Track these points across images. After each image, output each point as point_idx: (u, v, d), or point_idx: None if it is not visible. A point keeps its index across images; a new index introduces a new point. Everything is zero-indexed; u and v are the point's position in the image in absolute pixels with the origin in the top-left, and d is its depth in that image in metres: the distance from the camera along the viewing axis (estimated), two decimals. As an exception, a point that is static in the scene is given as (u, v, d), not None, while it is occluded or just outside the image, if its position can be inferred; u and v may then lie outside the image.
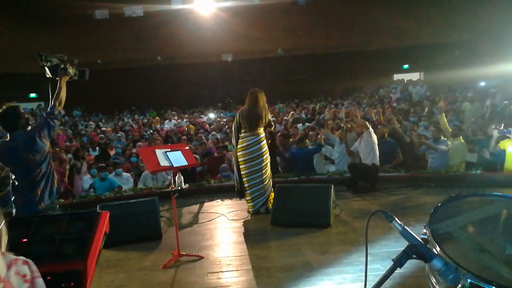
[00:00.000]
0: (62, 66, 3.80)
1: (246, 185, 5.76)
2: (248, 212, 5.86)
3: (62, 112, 3.79)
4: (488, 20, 18.20)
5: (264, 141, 5.75)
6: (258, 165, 5.66)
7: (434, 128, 7.58)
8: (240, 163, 5.72)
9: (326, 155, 8.13)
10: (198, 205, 6.55)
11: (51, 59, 3.83)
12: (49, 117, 3.63)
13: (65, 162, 8.48)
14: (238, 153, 5.72)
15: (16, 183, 3.51)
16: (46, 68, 3.81)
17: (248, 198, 5.82)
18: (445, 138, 7.27)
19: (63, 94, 3.77)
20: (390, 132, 7.84)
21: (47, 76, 3.82)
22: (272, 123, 6.02)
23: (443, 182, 6.54)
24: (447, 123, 7.90)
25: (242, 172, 5.74)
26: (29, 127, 3.56)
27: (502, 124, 7.56)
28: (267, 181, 5.77)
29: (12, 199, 3.54)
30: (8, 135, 3.49)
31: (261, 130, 5.71)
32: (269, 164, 5.81)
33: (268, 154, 5.79)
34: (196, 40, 20.15)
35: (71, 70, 3.83)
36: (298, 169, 7.25)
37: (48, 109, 3.70)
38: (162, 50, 21.38)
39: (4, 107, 3.50)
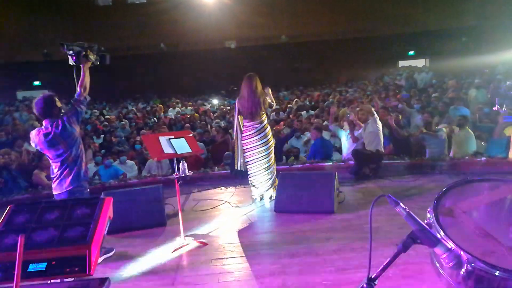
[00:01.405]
0: (84, 53, 4.00)
1: (251, 172, 5.72)
2: (252, 198, 5.85)
3: (88, 98, 4.05)
4: (495, 6, 17.91)
5: (268, 128, 5.69)
6: (264, 151, 5.61)
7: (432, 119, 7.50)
8: (245, 151, 5.68)
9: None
10: (202, 192, 6.56)
11: (73, 47, 4.00)
12: (76, 103, 3.93)
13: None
14: (243, 142, 5.67)
15: (53, 166, 3.87)
16: (69, 56, 4.01)
17: (253, 184, 5.81)
18: (441, 127, 7.23)
19: (87, 80, 4.04)
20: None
21: (70, 63, 4.03)
22: (273, 102, 5.90)
23: (447, 169, 6.51)
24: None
25: (247, 160, 5.70)
26: (62, 114, 3.86)
27: (504, 105, 7.47)
28: (272, 167, 5.75)
29: (51, 182, 3.92)
30: (43, 122, 3.82)
31: (263, 117, 5.65)
32: (273, 150, 5.78)
33: (273, 140, 5.76)
34: (200, 27, 20.03)
35: (92, 56, 4.06)
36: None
37: (75, 95, 3.97)
38: (165, 37, 21.28)
39: (41, 95, 3.86)
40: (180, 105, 16.31)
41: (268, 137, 5.65)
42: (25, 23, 19.70)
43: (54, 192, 3.97)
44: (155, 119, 13.38)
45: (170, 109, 15.55)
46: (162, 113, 14.37)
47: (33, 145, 3.98)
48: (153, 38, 20.91)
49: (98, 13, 20.97)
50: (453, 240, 1.52)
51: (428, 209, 1.75)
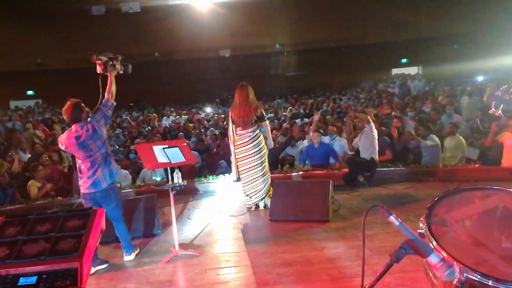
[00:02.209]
0: (111, 62, 4.31)
1: (245, 181, 5.69)
2: (247, 207, 5.82)
3: (114, 103, 4.36)
4: (487, 12, 18.12)
5: (261, 136, 5.64)
6: (257, 160, 5.57)
7: (422, 127, 7.52)
8: (238, 160, 5.66)
9: None
10: (196, 201, 6.53)
11: (101, 58, 4.30)
12: (104, 108, 4.25)
13: (63, 161, 8.47)
14: (236, 151, 5.65)
15: (82, 167, 4.14)
16: (97, 65, 4.31)
17: (247, 193, 5.78)
18: (433, 135, 7.27)
19: (114, 87, 4.37)
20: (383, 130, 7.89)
21: (98, 72, 4.34)
22: (264, 114, 5.83)
23: (441, 177, 6.54)
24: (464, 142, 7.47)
25: (240, 169, 5.68)
26: (89, 119, 4.17)
27: (500, 108, 7.47)
28: (265, 175, 5.71)
29: (80, 181, 4.19)
30: (73, 126, 4.11)
31: (255, 126, 5.59)
32: (267, 158, 5.75)
33: (266, 149, 5.72)
34: (194, 35, 20.07)
35: (118, 66, 4.39)
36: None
37: (103, 101, 4.30)
38: (159, 46, 21.30)
39: (69, 103, 4.12)
40: (174, 113, 16.30)
41: (261, 145, 5.61)
42: (19, 32, 19.64)
43: (88, 191, 4.18)
44: (149, 127, 13.34)
45: (164, 117, 15.53)
46: (157, 122, 14.33)
47: (62, 147, 4.23)
48: (147, 47, 20.92)
49: (92, 22, 20.97)
50: (446, 249, 1.52)
51: (421, 219, 1.75)
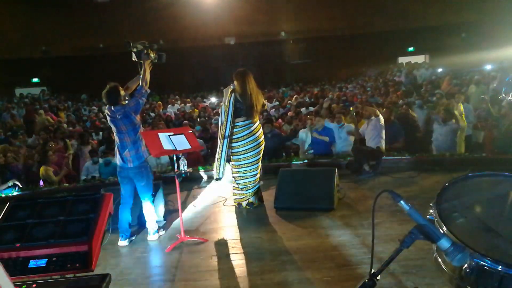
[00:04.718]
0: (145, 51, 4.49)
1: (242, 175, 5.27)
2: (240, 205, 5.43)
3: (148, 90, 4.56)
4: (495, 1, 17.84)
5: (261, 129, 5.38)
6: (258, 154, 5.26)
7: (443, 111, 7.30)
8: (238, 154, 5.20)
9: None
10: (202, 188, 6.56)
11: (137, 46, 4.48)
12: (139, 96, 4.47)
13: (68, 149, 8.50)
14: (236, 143, 5.17)
15: (116, 140, 4.49)
16: (133, 53, 4.50)
17: (244, 191, 5.37)
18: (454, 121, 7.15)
19: (148, 76, 4.56)
20: (399, 116, 7.80)
21: (134, 60, 4.54)
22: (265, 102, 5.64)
23: (448, 165, 6.50)
24: (463, 113, 7.41)
25: (236, 163, 5.25)
26: (126, 102, 4.41)
27: (510, 94, 7.40)
28: (259, 169, 5.40)
29: (116, 154, 4.55)
30: (112, 107, 4.39)
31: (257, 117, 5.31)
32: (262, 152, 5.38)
33: (263, 143, 5.38)
34: (199, 23, 19.92)
35: (152, 55, 4.54)
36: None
37: (137, 88, 4.52)
38: (164, 33, 21.15)
39: (108, 86, 4.40)
40: (179, 101, 16.27)
41: (261, 139, 5.28)
42: (24, 20, 19.57)
43: (119, 164, 4.53)
44: (153, 114, 13.35)
45: (169, 105, 15.51)
46: (161, 110, 14.32)
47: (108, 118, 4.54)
48: (152, 34, 20.77)
49: (97, 9, 20.85)
50: (456, 235, 1.51)
51: (431, 204, 1.74)
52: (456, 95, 8.30)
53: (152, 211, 4.63)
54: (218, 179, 5.34)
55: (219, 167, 5.22)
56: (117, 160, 4.57)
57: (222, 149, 5.15)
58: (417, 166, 6.66)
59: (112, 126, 4.52)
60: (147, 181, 4.55)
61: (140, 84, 4.52)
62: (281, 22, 21.23)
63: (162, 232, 4.78)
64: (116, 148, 4.57)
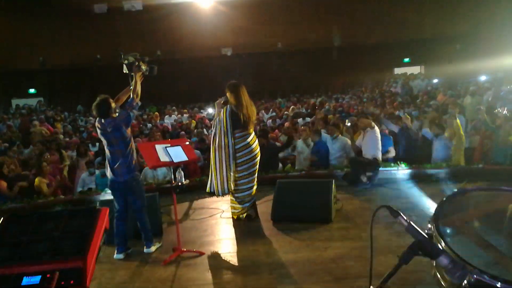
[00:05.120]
0: (137, 63, 4.47)
1: (240, 187, 5.21)
2: (238, 216, 5.37)
3: (139, 103, 4.56)
4: (489, 12, 18.06)
5: (256, 140, 5.34)
6: (254, 166, 5.22)
7: (435, 126, 7.30)
8: (238, 165, 5.12)
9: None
10: (199, 200, 6.51)
11: (128, 58, 4.46)
12: (129, 108, 4.42)
13: (64, 160, 8.46)
14: (238, 154, 5.10)
15: (107, 153, 4.42)
16: (124, 65, 4.48)
17: (241, 204, 5.32)
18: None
19: (139, 88, 4.52)
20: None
21: (124, 72, 4.52)
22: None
23: (445, 177, 6.51)
24: (460, 127, 7.29)
25: (237, 175, 5.16)
26: (116, 114, 4.35)
27: (505, 108, 7.44)
28: (255, 181, 5.36)
29: (107, 167, 4.48)
30: (102, 120, 4.33)
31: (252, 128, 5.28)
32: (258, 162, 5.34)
33: (259, 154, 5.35)
34: (196, 34, 20.04)
35: (143, 67, 4.53)
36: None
37: (128, 101, 4.48)
38: (161, 44, 21.27)
39: (98, 98, 4.34)
40: (176, 112, 16.27)
41: (257, 151, 5.24)
42: (22, 31, 19.63)
43: (110, 178, 4.47)
44: (150, 125, 13.34)
45: (166, 116, 15.51)
46: (158, 121, 14.32)
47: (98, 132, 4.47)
48: (149, 45, 20.88)
49: (94, 20, 20.95)
50: (455, 251, 1.50)
51: (428, 219, 1.73)
52: (449, 108, 8.27)
53: (147, 224, 4.58)
54: (223, 193, 5.16)
55: (224, 181, 5.08)
56: (108, 173, 4.50)
57: (224, 160, 5.03)
58: (414, 177, 6.66)
59: (102, 139, 4.45)
60: (139, 194, 4.51)
61: (131, 96, 4.48)
62: (277, 33, 21.38)
63: (158, 245, 4.71)
64: (106, 162, 4.52)
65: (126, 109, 4.42)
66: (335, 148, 7.47)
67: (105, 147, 4.46)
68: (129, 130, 4.43)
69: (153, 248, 4.60)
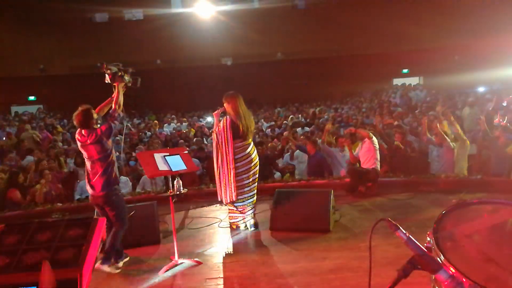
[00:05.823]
0: (120, 74, 4.40)
1: (240, 197, 5.19)
2: (237, 227, 5.38)
3: (122, 114, 4.46)
4: (488, 24, 18.19)
5: (255, 149, 5.37)
6: (255, 175, 5.24)
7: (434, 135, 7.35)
8: (237, 175, 5.12)
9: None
10: (196, 209, 6.49)
11: (111, 68, 4.39)
12: (111, 119, 4.32)
13: (62, 167, 8.44)
14: (237, 164, 5.11)
15: (87, 165, 4.29)
16: (106, 75, 4.40)
17: (242, 213, 5.32)
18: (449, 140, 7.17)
19: (121, 98, 4.43)
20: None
21: (106, 81, 4.44)
22: None
23: (444, 187, 6.50)
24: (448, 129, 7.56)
25: (239, 184, 5.15)
26: (98, 126, 4.27)
27: (506, 117, 7.44)
28: (255, 189, 5.36)
29: (85, 182, 4.35)
30: (82, 131, 4.23)
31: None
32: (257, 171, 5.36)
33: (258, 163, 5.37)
34: (196, 43, 20.13)
35: (126, 77, 4.47)
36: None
37: (110, 112, 4.38)
38: (161, 53, 21.34)
39: (80, 108, 4.24)
40: (175, 121, 16.29)
41: (256, 160, 5.26)
42: (22, 38, 19.70)
43: (89, 192, 4.36)
44: (149, 133, 13.34)
45: (165, 125, 15.52)
46: (158, 129, 14.32)
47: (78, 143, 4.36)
48: (149, 54, 20.96)
49: (95, 29, 21.05)
50: (455, 265, 1.49)
51: (428, 233, 1.72)
52: (436, 109, 8.34)
53: (118, 241, 4.33)
54: (232, 201, 5.19)
55: (227, 190, 5.12)
56: (88, 188, 4.33)
57: (226, 170, 5.11)
58: (413, 188, 6.65)
59: (82, 151, 4.30)
60: (118, 210, 4.30)
61: (113, 107, 4.37)
62: (277, 43, 21.49)
63: (121, 264, 4.40)
64: (85, 175, 4.36)
65: (108, 120, 4.31)
66: (342, 161, 7.60)
67: (85, 160, 4.31)
68: (109, 142, 4.30)
69: (106, 268, 4.22)
